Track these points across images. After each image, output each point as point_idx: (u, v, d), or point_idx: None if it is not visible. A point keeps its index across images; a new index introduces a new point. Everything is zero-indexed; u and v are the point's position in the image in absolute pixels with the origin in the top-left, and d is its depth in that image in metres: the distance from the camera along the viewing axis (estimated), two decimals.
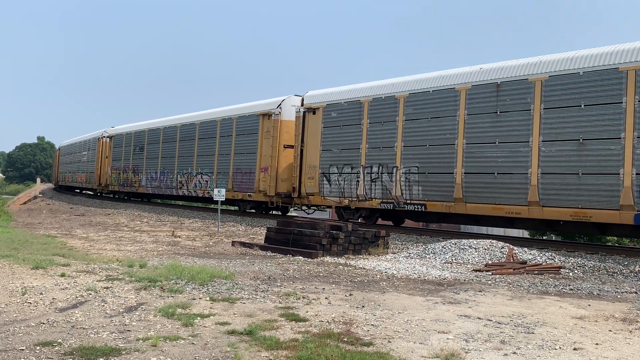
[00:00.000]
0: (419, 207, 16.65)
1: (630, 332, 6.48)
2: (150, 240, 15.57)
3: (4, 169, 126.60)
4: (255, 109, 23.80)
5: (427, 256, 12.87)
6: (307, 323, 6.35)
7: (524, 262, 11.65)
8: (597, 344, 5.88)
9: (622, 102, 12.73)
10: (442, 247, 13.26)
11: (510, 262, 11.60)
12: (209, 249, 13.97)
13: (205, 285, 8.36)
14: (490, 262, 11.90)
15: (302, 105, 20.92)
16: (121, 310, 6.74)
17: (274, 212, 25.05)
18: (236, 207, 26.74)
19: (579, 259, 12.32)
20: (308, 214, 22.84)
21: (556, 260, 12.06)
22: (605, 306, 7.96)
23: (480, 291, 8.82)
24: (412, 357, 5.26)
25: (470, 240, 13.59)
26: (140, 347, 5.27)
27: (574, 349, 5.64)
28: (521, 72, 14.58)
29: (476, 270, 11.08)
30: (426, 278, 10.14)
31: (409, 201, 16.88)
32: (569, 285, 9.66)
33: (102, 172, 38.70)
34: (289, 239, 13.67)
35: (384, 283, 9.42)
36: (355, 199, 18.45)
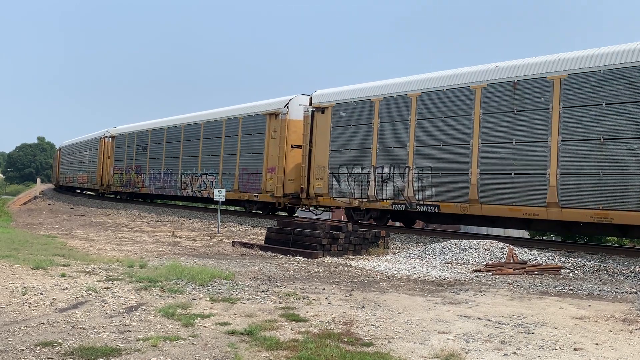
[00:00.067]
0: (432, 208, 16.36)
1: (630, 332, 6.48)
2: (150, 241, 15.57)
3: (4, 169, 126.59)
4: (262, 109, 23.53)
5: (427, 256, 12.86)
6: (307, 323, 6.35)
7: (524, 263, 11.65)
8: (597, 344, 5.88)
9: None
10: (442, 247, 13.25)
11: (510, 263, 11.59)
12: (209, 249, 13.97)
13: (206, 286, 8.36)
14: (490, 262, 11.91)
15: (310, 104, 20.59)
16: (121, 310, 6.74)
17: (279, 213, 24.79)
18: (242, 208, 26.51)
19: (579, 259, 12.32)
20: (316, 214, 22.54)
21: (556, 260, 12.06)
22: (605, 306, 7.96)
23: (481, 291, 8.82)
24: (412, 357, 5.26)
25: (470, 240, 13.58)
26: (141, 347, 5.28)
27: (574, 349, 5.64)
28: (539, 70, 14.24)
29: (476, 271, 11.07)
30: (426, 278, 10.14)
31: (421, 202, 16.57)
32: (569, 286, 9.66)
33: (104, 172, 38.53)
34: (289, 239, 13.67)
35: (384, 283, 9.42)
36: (366, 200, 18.16)
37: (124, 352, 5.10)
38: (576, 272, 11.37)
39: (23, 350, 5.11)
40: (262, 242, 14.75)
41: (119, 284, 8.38)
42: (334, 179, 19.34)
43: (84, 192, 47.25)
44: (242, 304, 7.31)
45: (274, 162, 22.23)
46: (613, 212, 12.68)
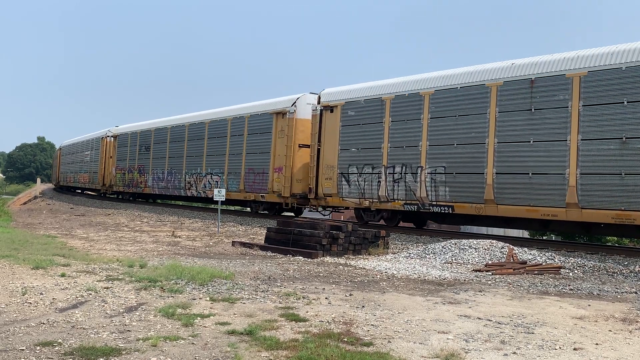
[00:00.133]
0: (446, 208, 16.02)
1: (630, 332, 6.48)
2: (150, 241, 15.57)
3: (4, 169, 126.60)
4: (269, 107, 23.19)
5: (427, 256, 12.87)
6: (307, 323, 6.35)
7: (524, 262, 11.66)
8: (597, 344, 5.88)
9: None
10: (442, 247, 13.26)
11: (510, 262, 11.60)
12: (209, 249, 13.98)
13: (206, 286, 8.36)
14: (490, 262, 11.91)
15: (318, 103, 20.25)
16: (121, 310, 6.74)
17: (285, 213, 24.45)
18: (248, 208, 26.25)
19: (579, 259, 12.32)
20: (324, 215, 22.18)
21: (556, 260, 12.06)
22: (605, 306, 7.96)
23: (480, 291, 8.83)
24: (412, 357, 5.26)
25: (470, 240, 13.58)
26: (141, 347, 5.28)
27: (574, 349, 5.64)
28: (557, 67, 13.91)
29: (476, 270, 11.08)
30: (426, 278, 10.14)
31: (434, 203, 16.23)
32: (569, 285, 9.66)
33: (106, 172, 38.31)
34: (289, 239, 13.67)
35: (384, 283, 9.42)
36: (377, 200, 17.83)
37: (124, 352, 5.11)
38: (576, 271, 11.37)
39: (23, 350, 5.11)
40: (262, 242, 14.76)
41: (119, 283, 8.38)
42: (343, 179, 19.03)
43: (85, 192, 47.22)
44: (242, 303, 7.31)
45: (281, 162, 21.97)
46: (635, 214, 12.33)
